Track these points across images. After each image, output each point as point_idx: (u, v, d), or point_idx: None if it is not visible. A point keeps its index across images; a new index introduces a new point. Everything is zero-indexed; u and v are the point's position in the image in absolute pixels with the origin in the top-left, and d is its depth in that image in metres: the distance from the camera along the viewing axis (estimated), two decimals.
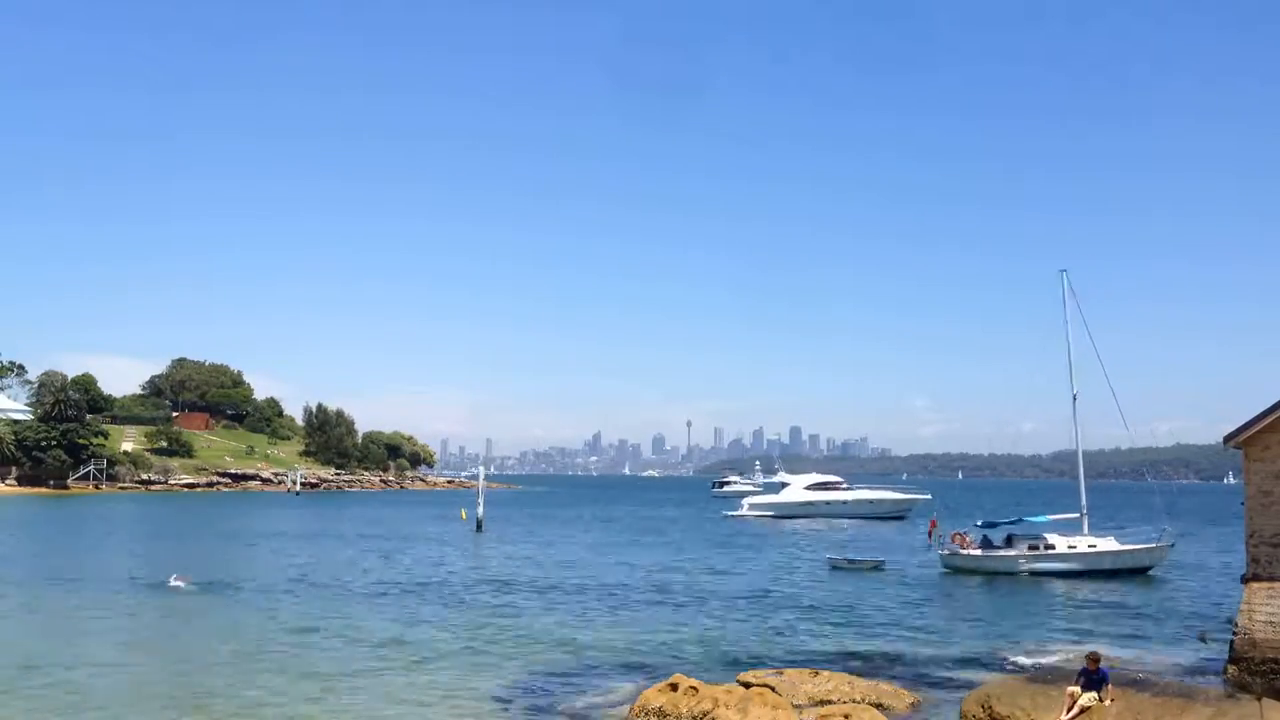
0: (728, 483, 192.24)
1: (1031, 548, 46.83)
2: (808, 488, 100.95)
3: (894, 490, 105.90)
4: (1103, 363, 48.86)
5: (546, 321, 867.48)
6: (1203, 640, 28.32)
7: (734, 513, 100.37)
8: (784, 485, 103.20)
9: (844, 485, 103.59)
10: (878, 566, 49.02)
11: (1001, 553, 47.21)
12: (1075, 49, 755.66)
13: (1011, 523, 50.71)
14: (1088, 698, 17.67)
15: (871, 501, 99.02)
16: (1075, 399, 48.40)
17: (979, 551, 47.73)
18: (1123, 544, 47.68)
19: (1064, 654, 26.26)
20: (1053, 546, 46.93)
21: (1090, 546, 46.90)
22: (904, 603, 37.45)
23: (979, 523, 52.50)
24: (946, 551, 48.59)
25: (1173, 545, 48.38)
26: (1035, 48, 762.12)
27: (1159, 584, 43.69)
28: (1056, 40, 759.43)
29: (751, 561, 53.58)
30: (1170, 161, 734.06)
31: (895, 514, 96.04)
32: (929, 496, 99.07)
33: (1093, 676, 17.97)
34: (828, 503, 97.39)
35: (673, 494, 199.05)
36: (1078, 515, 48.52)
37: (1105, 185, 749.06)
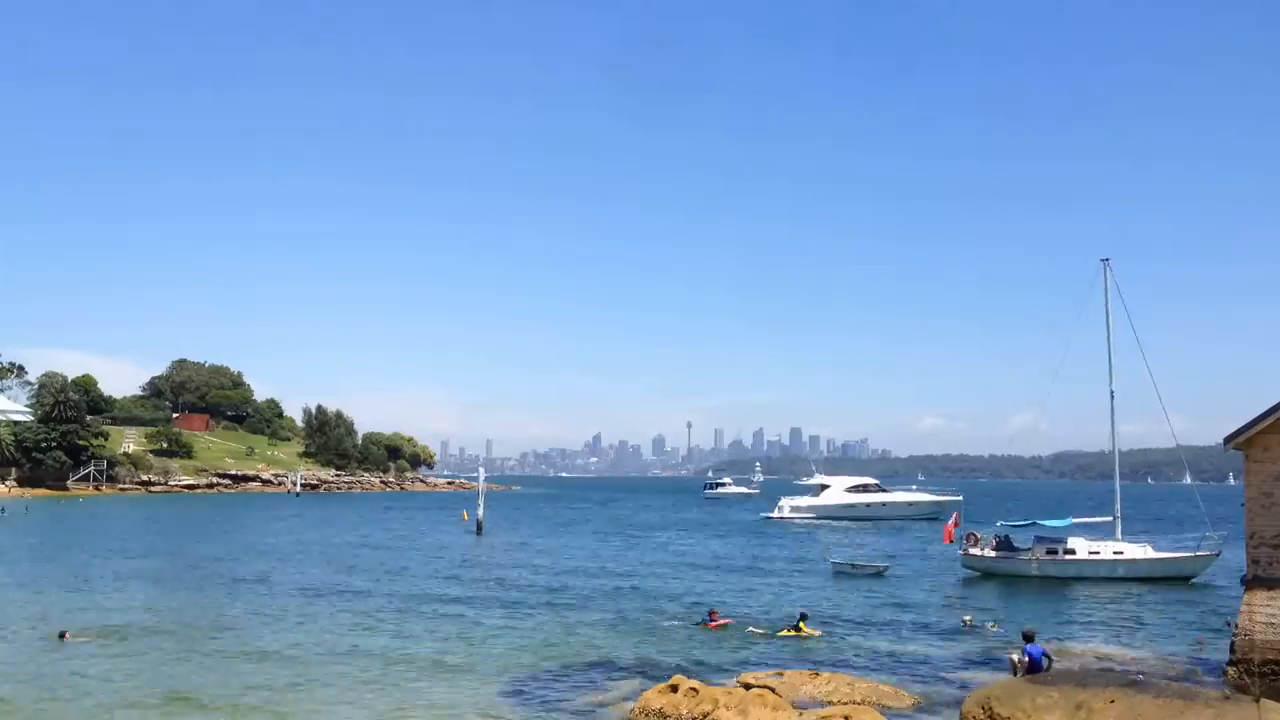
0: (720, 484, 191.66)
1: (1049, 552, 45.57)
2: (848, 490, 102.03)
3: (929, 493, 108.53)
4: (1146, 359, 46.54)
5: (546, 322, 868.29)
6: (1199, 644, 28.39)
7: (771, 514, 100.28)
8: (823, 487, 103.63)
9: (880, 487, 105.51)
10: (880, 572, 47.63)
11: (1017, 555, 46.27)
12: (1075, 47, 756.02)
13: (1026, 525, 49.63)
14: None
15: (910, 504, 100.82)
16: (1113, 396, 46.51)
17: (993, 554, 46.91)
18: (1159, 551, 46.04)
19: (1070, 655, 26.24)
20: (1072, 551, 45.57)
21: (1116, 553, 45.19)
22: (913, 604, 37.40)
23: (999, 524, 51.15)
24: (966, 552, 47.91)
25: (1218, 554, 45.08)
26: (1036, 44, 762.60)
27: (1197, 589, 41.99)
28: (1057, 37, 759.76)
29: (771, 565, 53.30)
30: (1170, 160, 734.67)
31: (931, 515, 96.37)
32: (960, 498, 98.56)
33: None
34: (868, 505, 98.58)
35: (666, 496, 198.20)
36: (1111, 519, 47.02)
37: (1105, 182, 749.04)
